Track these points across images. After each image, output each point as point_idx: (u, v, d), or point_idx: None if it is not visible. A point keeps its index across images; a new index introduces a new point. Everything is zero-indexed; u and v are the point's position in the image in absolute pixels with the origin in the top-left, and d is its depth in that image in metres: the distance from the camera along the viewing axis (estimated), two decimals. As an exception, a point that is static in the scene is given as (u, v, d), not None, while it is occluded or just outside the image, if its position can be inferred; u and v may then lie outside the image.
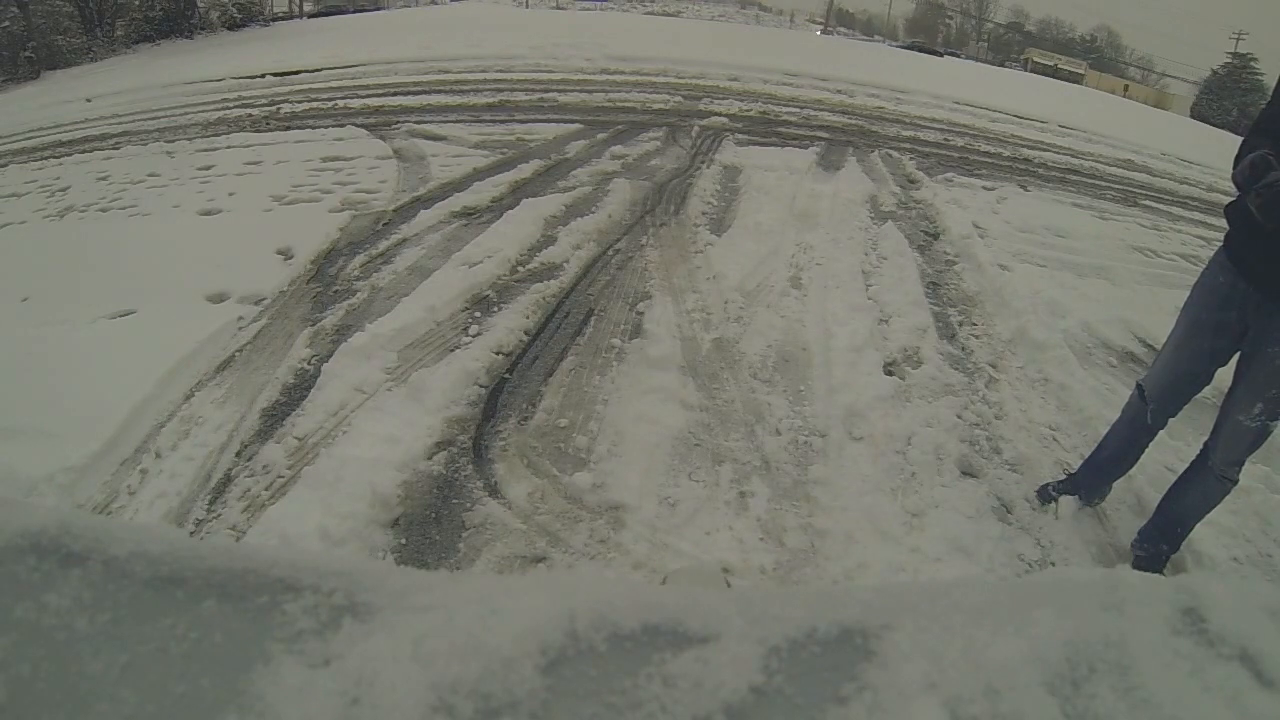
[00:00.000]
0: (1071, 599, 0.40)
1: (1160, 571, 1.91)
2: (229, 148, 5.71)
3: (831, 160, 6.00)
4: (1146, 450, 2.08)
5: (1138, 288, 4.04)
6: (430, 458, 2.17)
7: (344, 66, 9.59)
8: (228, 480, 2.10)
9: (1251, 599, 0.41)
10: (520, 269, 3.44)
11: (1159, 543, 1.94)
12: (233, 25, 16.10)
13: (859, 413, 2.48)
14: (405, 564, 1.79)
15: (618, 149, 5.68)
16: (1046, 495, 2.18)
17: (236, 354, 2.73)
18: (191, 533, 1.89)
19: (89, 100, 8.58)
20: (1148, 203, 6.60)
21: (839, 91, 9.69)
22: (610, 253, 3.71)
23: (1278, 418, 1.71)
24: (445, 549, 1.87)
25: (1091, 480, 2.14)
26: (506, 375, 2.62)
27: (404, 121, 6.38)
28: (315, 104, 7.38)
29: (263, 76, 9.14)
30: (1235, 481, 1.81)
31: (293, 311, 3.04)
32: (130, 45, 14.84)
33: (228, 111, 7.30)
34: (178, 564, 0.38)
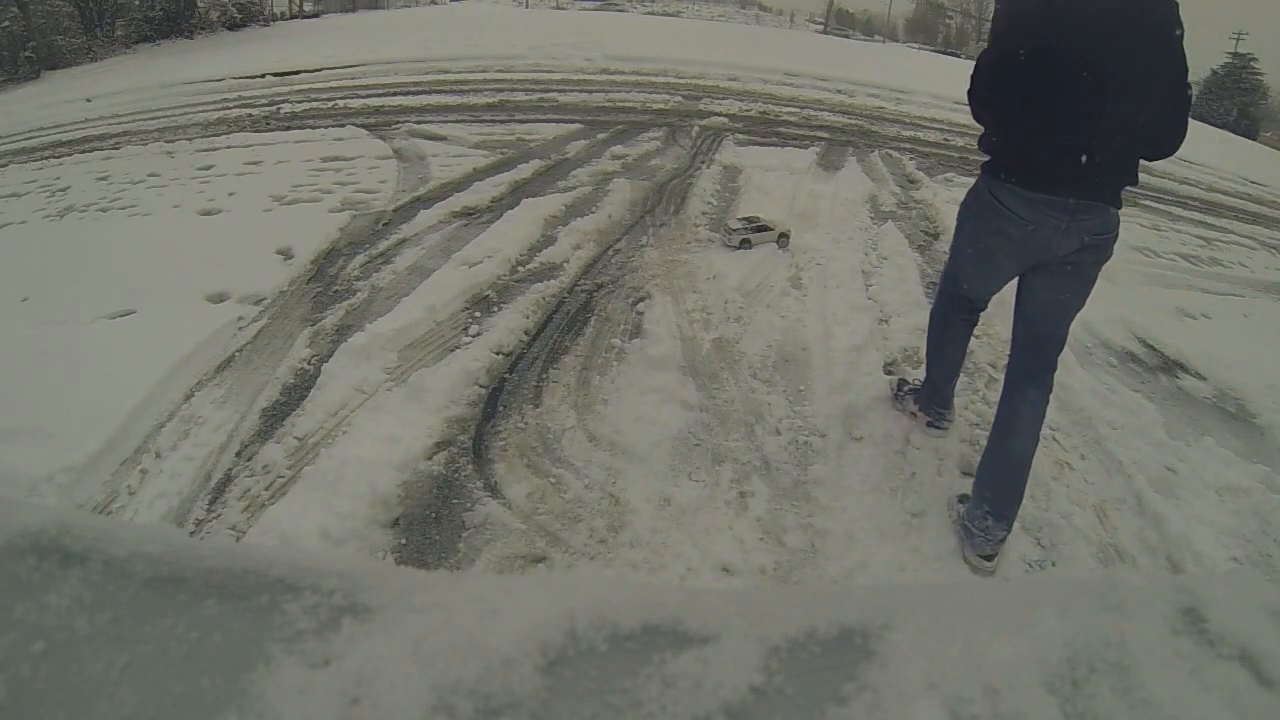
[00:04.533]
0: (1071, 599, 0.40)
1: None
2: (229, 148, 5.71)
3: (831, 160, 6.00)
4: (1141, 450, 2.09)
5: (1138, 288, 4.04)
6: (430, 458, 2.17)
7: (344, 66, 9.59)
8: (228, 480, 2.10)
9: (1251, 599, 0.41)
10: (520, 269, 3.44)
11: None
12: (233, 25, 16.09)
13: (859, 413, 2.48)
14: (405, 564, 1.80)
15: (618, 149, 5.68)
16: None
17: (236, 354, 2.73)
18: (191, 533, 1.89)
19: (89, 100, 8.59)
20: (1148, 203, 6.60)
21: (839, 91, 9.69)
22: (610, 253, 3.71)
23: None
24: (445, 549, 1.87)
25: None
26: (507, 375, 2.62)
27: (404, 121, 6.39)
28: (315, 104, 7.39)
29: (263, 76, 9.14)
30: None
31: (293, 311, 3.04)
32: (130, 45, 14.83)
33: (228, 111, 7.30)
34: (178, 564, 0.38)
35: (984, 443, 2.43)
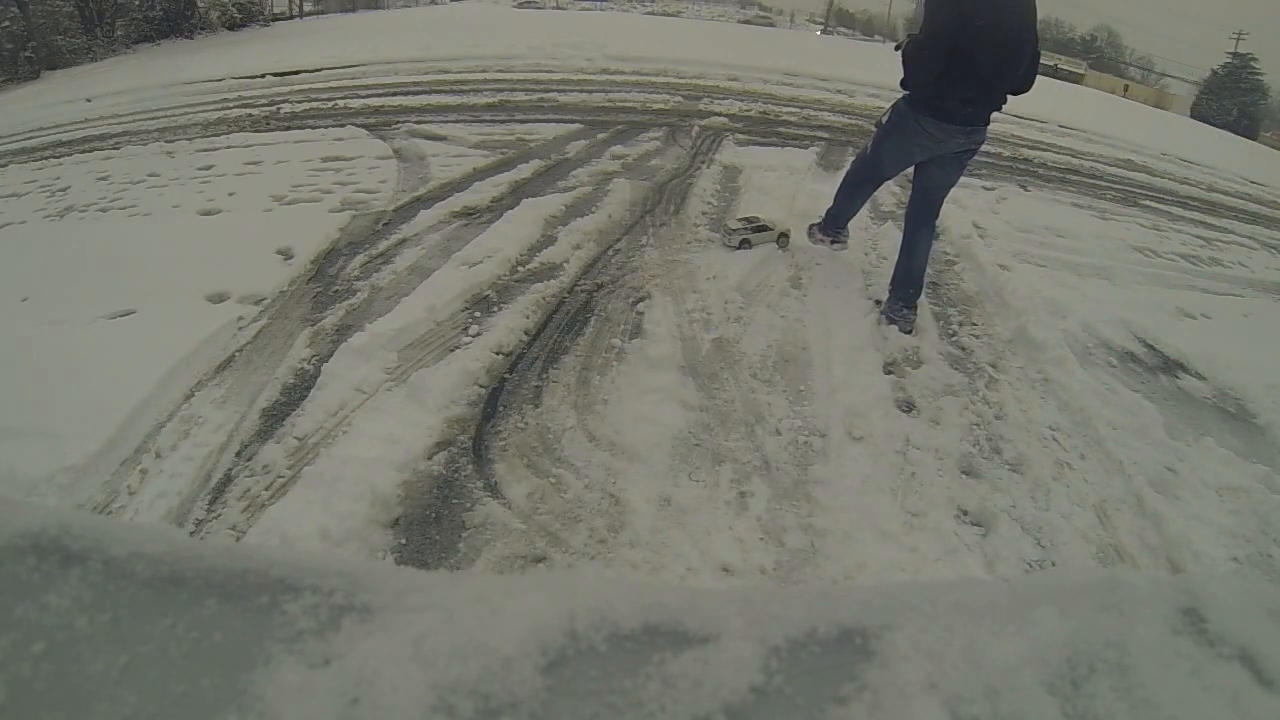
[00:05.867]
0: (1071, 599, 0.40)
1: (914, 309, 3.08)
2: (229, 148, 5.71)
3: (832, 160, 5.99)
4: (1141, 450, 2.31)
5: (1138, 288, 4.04)
6: (430, 458, 2.17)
7: (344, 66, 9.59)
8: (228, 480, 2.10)
9: (1251, 599, 0.41)
10: (520, 269, 3.44)
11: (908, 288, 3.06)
12: (233, 25, 16.08)
13: (859, 413, 2.48)
14: (405, 564, 1.80)
15: (618, 149, 5.68)
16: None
17: (236, 354, 2.73)
18: (191, 533, 1.89)
19: (89, 100, 8.58)
20: (1148, 203, 6.60)
21: (839, 91, 9.69)
22: (610, 253, 3.71)
23: None
24: (445, 549, 1.87)
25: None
26: (507, 375, 2.62)
27: (404, 121, 6.38)
28: (315, 104, 7.38)
29: (263, 76, 9.13)
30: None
31: (293, 311, 3.04)
32: (130, 45, 14.82)
33: (228, 111, 7.29)
34: (178, 564, 0.38)
35: (985, 444, 2.45)
